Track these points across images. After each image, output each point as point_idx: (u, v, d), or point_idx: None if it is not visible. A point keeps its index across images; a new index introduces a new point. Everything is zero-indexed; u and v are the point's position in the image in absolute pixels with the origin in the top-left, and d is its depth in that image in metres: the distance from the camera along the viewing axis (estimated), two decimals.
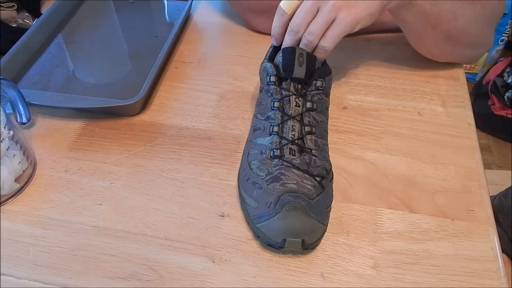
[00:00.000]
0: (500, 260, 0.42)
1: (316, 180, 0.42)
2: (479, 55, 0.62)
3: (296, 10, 0.47)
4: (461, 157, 0.50)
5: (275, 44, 0.50)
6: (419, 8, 0.50)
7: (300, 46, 0.47)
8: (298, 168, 0.41)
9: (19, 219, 0.44)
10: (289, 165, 0.42)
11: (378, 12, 0.47)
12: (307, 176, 0.41)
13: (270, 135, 0.44)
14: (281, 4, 0.47)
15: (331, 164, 0.45)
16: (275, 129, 0.44)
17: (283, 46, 0.48)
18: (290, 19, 0.47)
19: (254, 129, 0.47)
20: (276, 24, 0.49)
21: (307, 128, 0.44)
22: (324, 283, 0.40)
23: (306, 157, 0.42)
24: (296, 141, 0.43)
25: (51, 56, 0.62)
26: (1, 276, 0.40)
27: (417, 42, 0.58)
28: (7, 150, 0.43)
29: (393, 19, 0.55)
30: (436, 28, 0.53)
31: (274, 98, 0.45)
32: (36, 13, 1.34)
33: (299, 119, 0.44)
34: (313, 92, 0.45)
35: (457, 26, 0.53)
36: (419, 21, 0.52)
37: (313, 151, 0.43)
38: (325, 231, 0.42)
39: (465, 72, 0.68)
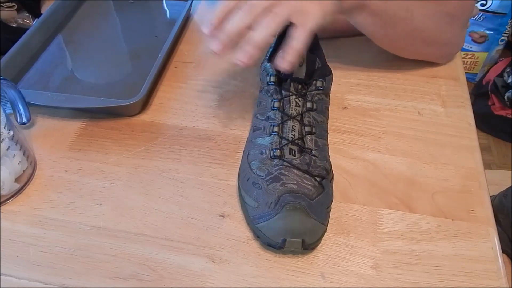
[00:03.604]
0: (500, 260, 0.42)
1: (316, 180, 0.42)
2: (447, 54, 0.61)
3: None
4: (461, 157, 0.50)
5: (206, 31, 0.43)
6: (371, 9, 0.50)
7: (256, 31, 0.41)
8: (298, 168, 0.41)
9: (19, 219, 0.44)
10: (289, 165, 0.42)
11: (332, 12, 0.45)
12: (307, 176, 0.41)
13: (270, 135, 0.44)
14: None
15: (331, 164, 0.45)
16: (275, 129, 0.44)
17: (228, 30, 0.41)
18: None
19: (254, 129, 0.47)
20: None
21: (307, 128, 0.44)
22: (324, 283, 0.40)
23: (306, 157, 0.42)
24: (296, 141, 0.43)
25: (51, 56, 0.62)
26: (1, 276, 0.40)
27: (379, 42, 0.57)
28: (7, 150, 0.43)
29: (351, 22, 0.54)
30: (393, 28, 0.53)
31: (274, 98, 0.45)
32: (36, 13, 1.34)
33: (299, 119, 0.44)
34: (313, 92, 0.45)
35: (414, 24, 0.53)
36: (374, 22, 0.52)
37: (313, 151, 0.43)
38: (325, 231, 0.42)
39: (465, 72, 0.68)
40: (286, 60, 0.41)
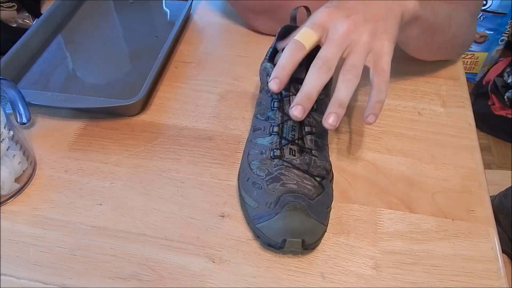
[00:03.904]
0: (500, 260, 0.42)
1: (316, 180, 0.41)
2: (465, 51, 0.62)
3: (314, 45, 0.40)
4: (461, 157, 0.50)
5: (276, 90, 0.39)
6: (422, 22, 0.46)
7: (341, 87, 0.38)
8: (298, 168, 0.41)
9: (19, 219, 0.44)
10: (289, 165, 0.42)
11: (399, 30, 0.43)
12: (307, 176, 0.41)
13: (270, 135, 0.44)
14: (298, 37, 0.40)
15: (331, 164, 0.45)
16: (275, 129, 0.44)
17: (306, 90, 0.38)
18: (304, 56, 0.40)
19: (254, 129, 0.47)
20: (288, 60, 0.39)
21: (307, 128, 0.44)
22: (324, 283, 0.40)
23: (306, 157, 0.42)
24: (296, 141, 0.43)
25: (51, 56, 0.62)
26: (1, 276, 0.40)
27: (414, 52, 0.56)
28: (7, 150, 0.43)
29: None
30: (433, 37, 0.52)
31: (274, 98, 0.45)
32: (36, 13, 1.34)
33: None
34: None
35: (452, 30, 0.53)
36: (419, 34, 0.49)
37: (313, 151, 0.43)
38: (325, 231, 0.42)
39: (465, 72, 0.68)
40: (375, 114, 0.40)
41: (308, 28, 0.40)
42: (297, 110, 0.38)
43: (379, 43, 0.40)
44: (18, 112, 0.50)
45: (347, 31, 0.39)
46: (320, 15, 0.40)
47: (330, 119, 0.38)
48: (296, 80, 0.45)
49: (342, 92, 0.38)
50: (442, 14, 0.50)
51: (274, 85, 0.39)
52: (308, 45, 0.40)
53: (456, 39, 0.55)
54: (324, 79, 0.38)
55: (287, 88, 0.45)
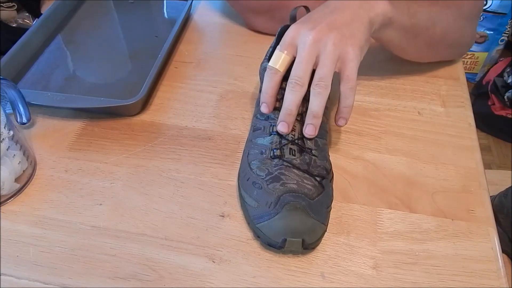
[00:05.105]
0: (500, 260, 0.42)
1: (316, 180, 0.42)
2: (464, 52, 0.63)
3: (288, 65, 0.43)
4: (461, 157, 0.50)
5: (267, 112, 0.44)
6: (398, 24, 0.48)
7: (313, 100, 0.42)
8: (298, 168, 0.41)
9: (19, 219, 0.44)
10: (289, 165, 0.42)
11: (369, 34, 0.45)
12: (307, 176, 0.41)
13: (270, 135, 0.44)
14: (271, 63, 0.43)
15: (331, 164, 0.45)
16: (275, 129, 0.44)
17: (286, 107, 0.42)
18: (281, 77, 0.44)
19: (254, 129, 0.47)
20: (268, 85, 0.43)
21: None
22: (324, 283, 0.40)
23: (306, 157, 0.42)
24: (296, 141, 0.43)
25: (51, 56, 0.62)
26: (1, 276, 0.40)
27: (401, 53, 0.57)
28: (7, 150, 0.43)
29: (374, 39, 0.51)
30: (416, 38, 0.52)
31: None
32: (36, 13, 1.34)
33: (299, 119, 0.44)
34: None
35: (437, 32, 0.53)
36: (400, 36, 0.50)
37: (313, 151, 0.43)
38: (325, 231, 0.42)
39: (465, 72, 0.68)
40: (345, 118, 0.44)
41: (278, 51, 0.43)
42: (283, 126, 0.43)
43: (344, 50, 0.42)
44: (18, 112, 0.50)
45: (313, 42, 0.41)
46: (289, 34, 0.43)
47: (308, 130, 0.43)
48: None
49: (315, 105, 0.42)
50: (423, 17, 0.51)
51: (264, 109, 0.44)
52: (282, 67, 0.43)
53: (446, 40, 0.55)
54: (300, 95, 0.42)
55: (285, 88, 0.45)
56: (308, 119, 0.43)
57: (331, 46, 0.41)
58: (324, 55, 0.41)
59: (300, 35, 0.42)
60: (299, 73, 0.41)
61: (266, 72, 0.44)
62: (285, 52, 0.43)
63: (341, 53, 0.42)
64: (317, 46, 0.41)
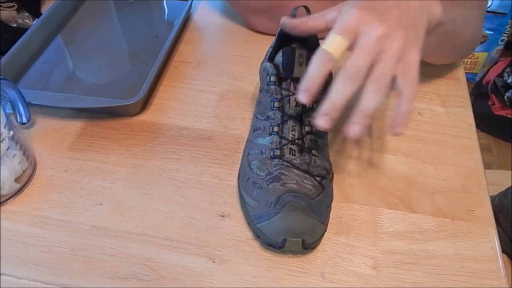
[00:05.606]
0: (500, 260, 0.42)
1: (316, 180, 0.42)
2: (471, 53, 0.62)
3: (344, 53, 0.37)
4: (461, 157, 0.50)
5: (306, 103, 0.37)
6: (442, 29, 0.44)
7: (368, 97, 0.35)
8: (298, 168, 0.41)
9: (19, 219, 0.44)
10: (289, 165, 0.42)
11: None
12: (307, 176, 0.41)
13: (270, 135, 0.44)
14: (326, 46, 0.36)
15: (331, 164, 0.45)
16: (275, 129, 0.44)
17: (333, 100, 0.36)
18: (333, 66, 0.37)
19: (254, 129, 0.47)
20: (316, 72, 0.36)
21: (307, 128, 0.44)
22: (324, 283, 0.40)
23: (306, 157, 0.42)
24: (296, 141, 0.43)
25: (51, 56, 0.62)
26: (1, 276, 0.40)
27: (428, 57, 0.54)
28: (7, 150, 0.43)
29: None
30: (449, 42, 0.51)
31: (274, 98, 0.45)
32: (36, 13, 1.34)
33: (299, 119, 0.44)
34: None
35: (467, 35, 0.52)
36: (436, 41, 0.48)
37: (313, 151, 0.43)
38: (325, 231, 0.42)
39: (465, 72, 0.68)
40: (405, 124, 0.37)
41: (337, 35, 0.36)
42: (323, 120, 0.36)
43: (408, 52, 0.37)
44: (18, 112, 0.50)
45: (380, 37, 0.36)
46: (350, 18, 0.36)
47: (354, 129, 0.36)
48: (296, 80, 0.45)
49: (369, 103, 0.35)
50: (460, 20, 0.48)
51: (305, 98, 0.36)
52: (338, 54, 0.36)
53: (471, 42, 0.55)
54: (353, 90, 0.35)
55: (287, 88, 0.45)
56: (357, 117, 0.36)
57: (398, 45, 0.36)
58: (390, 53, 0.36)
59: (366, 25, 0.36)
60: (360, 63, 0.35)
61: (316, 56, 0.36)
62: (343, 36, 0.36)
63: (406, 54, 0.37)
64: (383, 42, 0.36)
